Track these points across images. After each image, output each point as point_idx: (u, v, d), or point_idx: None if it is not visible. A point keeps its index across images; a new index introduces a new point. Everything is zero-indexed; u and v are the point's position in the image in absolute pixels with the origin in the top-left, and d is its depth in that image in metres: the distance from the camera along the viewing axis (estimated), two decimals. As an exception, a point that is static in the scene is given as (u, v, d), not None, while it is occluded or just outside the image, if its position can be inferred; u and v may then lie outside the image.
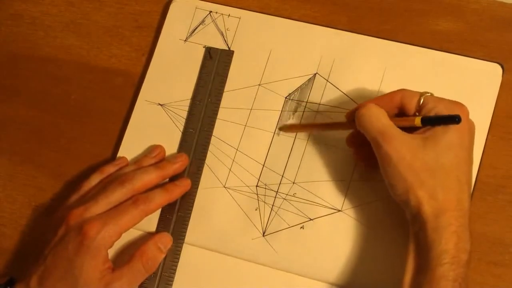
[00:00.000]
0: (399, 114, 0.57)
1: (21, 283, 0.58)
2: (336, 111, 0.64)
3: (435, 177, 0.53)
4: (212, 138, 0.66)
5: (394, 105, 0.57)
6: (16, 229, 0.67)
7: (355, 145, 0.61)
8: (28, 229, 0.67)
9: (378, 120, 0.55)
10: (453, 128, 0.53)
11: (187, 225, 0.63)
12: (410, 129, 0.55)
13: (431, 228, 0.52)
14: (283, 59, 0.67)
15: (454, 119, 0.53)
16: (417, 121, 0.54)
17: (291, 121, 0.65)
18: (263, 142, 0.65)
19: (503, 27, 0.64)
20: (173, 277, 0.62)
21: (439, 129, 0.54)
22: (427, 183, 0.53)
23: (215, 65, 0.67)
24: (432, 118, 0.54)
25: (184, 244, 0.63)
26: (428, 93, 0.56)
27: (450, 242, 0.51)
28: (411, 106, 0.56)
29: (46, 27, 0.72)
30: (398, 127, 0.55)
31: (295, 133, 0.65)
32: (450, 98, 0.62)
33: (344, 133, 0.62)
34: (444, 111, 0.54)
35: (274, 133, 0.65)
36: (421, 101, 0.55)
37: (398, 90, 0.57)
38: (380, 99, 0.58)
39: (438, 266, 0.51)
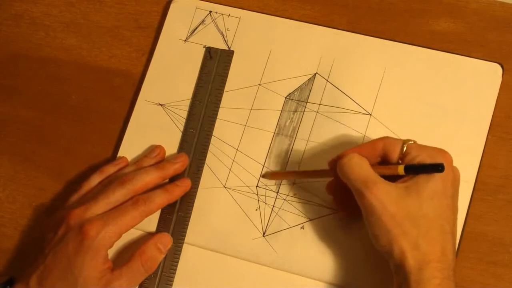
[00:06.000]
0: (382, 162, 0.56)
1: (21, 283, 0.58)
2: (336, 111, 0.64)
3: (418, 227, 0.52)
4: (212, 138, 0.66)
5: (376, 153, 0.56)
6: (16, 229, 0.67)
7: (335, 192, 0.60)
8: (28, 229, 0.67)
9: (360, 169, 0.54)
10: (436, 176, 0.52)
11: (187, 225, 0.63)
12: (393, 178, 0.54)
13: (414, 281, 0.50)
14: (283, 59, 0.67)
15: (437, 168, 0.52)
16: (400, 169, 0.53)
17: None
18: (263, 142, 0.65)
19: (503, 27, 0.64)
20: (173, 277, 0.62)
21: (422, 177, 0.53)
22: (410, 233, 0.51)
23: (215, 65, 0.67)
24: (416, 167, 0.53)
25: (184, 244, 0.63)
26: (411, 140, 0.55)
27: None
28: (394, 154, 0.55)
29: (46, 27, 0.72)
30: (381, 175, 0.54)
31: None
32: (450, 98, 0.62)
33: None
34: (427, 159, 0.53)
35: (274, 133, 0.65)
36: (404, 149, 0.54)
37: (380, 138, 0.56)
38: (362, 147, 0.56)
39: None
